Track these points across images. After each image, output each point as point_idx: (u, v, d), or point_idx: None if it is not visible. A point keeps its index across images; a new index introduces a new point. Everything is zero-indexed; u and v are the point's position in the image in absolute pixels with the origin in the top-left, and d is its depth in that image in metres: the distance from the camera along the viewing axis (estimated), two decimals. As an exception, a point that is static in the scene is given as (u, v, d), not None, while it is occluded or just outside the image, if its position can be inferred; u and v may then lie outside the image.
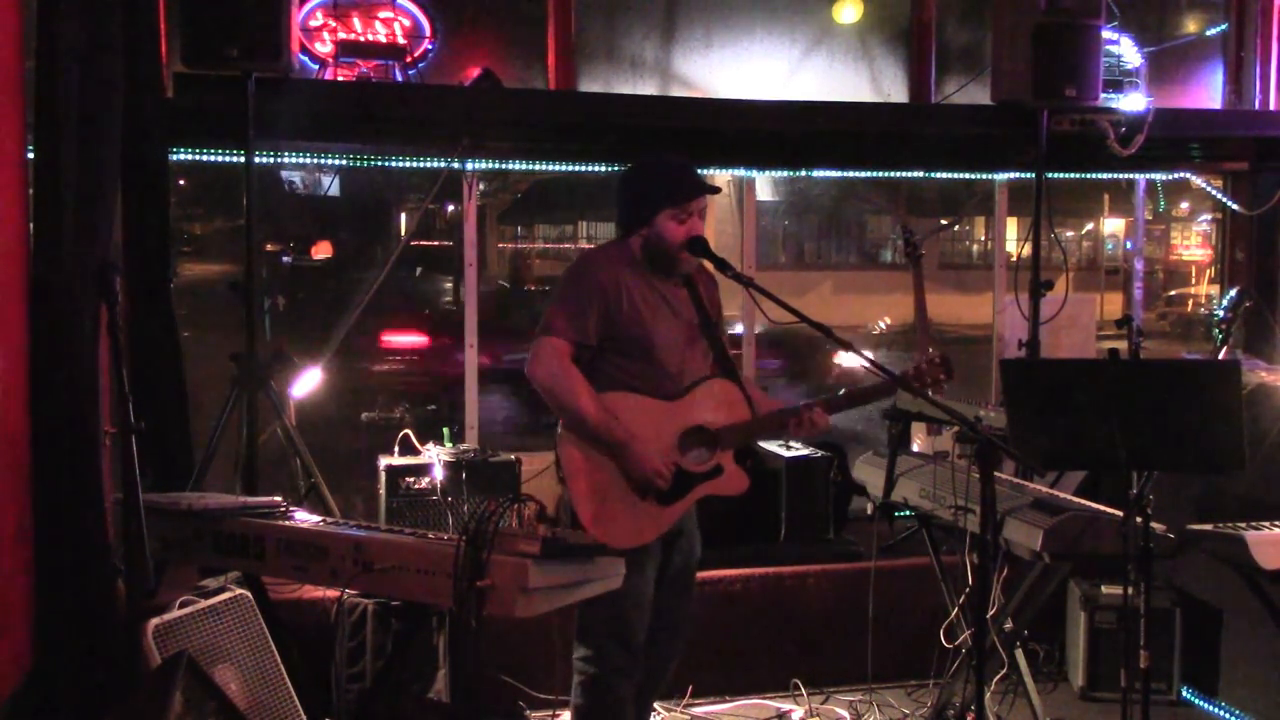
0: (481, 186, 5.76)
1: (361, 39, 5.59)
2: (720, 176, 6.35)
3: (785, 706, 4.78)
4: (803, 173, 6.78)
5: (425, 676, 4.21)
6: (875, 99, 6.54)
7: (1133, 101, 5.92)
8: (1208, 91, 6.91)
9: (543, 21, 6.09)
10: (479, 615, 2.88)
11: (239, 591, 3.82)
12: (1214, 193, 6.96)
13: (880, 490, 4.40)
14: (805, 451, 5.26)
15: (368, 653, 4.17)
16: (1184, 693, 4.84)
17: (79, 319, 3.66)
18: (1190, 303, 22.33)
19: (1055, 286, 5.84)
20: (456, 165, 5.63)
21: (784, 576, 5.00)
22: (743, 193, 6.48)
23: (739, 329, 6.27)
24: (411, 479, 5.01)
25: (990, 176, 6.58)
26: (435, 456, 5.08)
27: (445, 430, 5.37)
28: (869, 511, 5.01)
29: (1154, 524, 3.56)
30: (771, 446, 5.37)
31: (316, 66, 5.57)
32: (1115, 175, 6.91)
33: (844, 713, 4.72)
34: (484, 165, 5.84)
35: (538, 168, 6.41)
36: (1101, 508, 3.81)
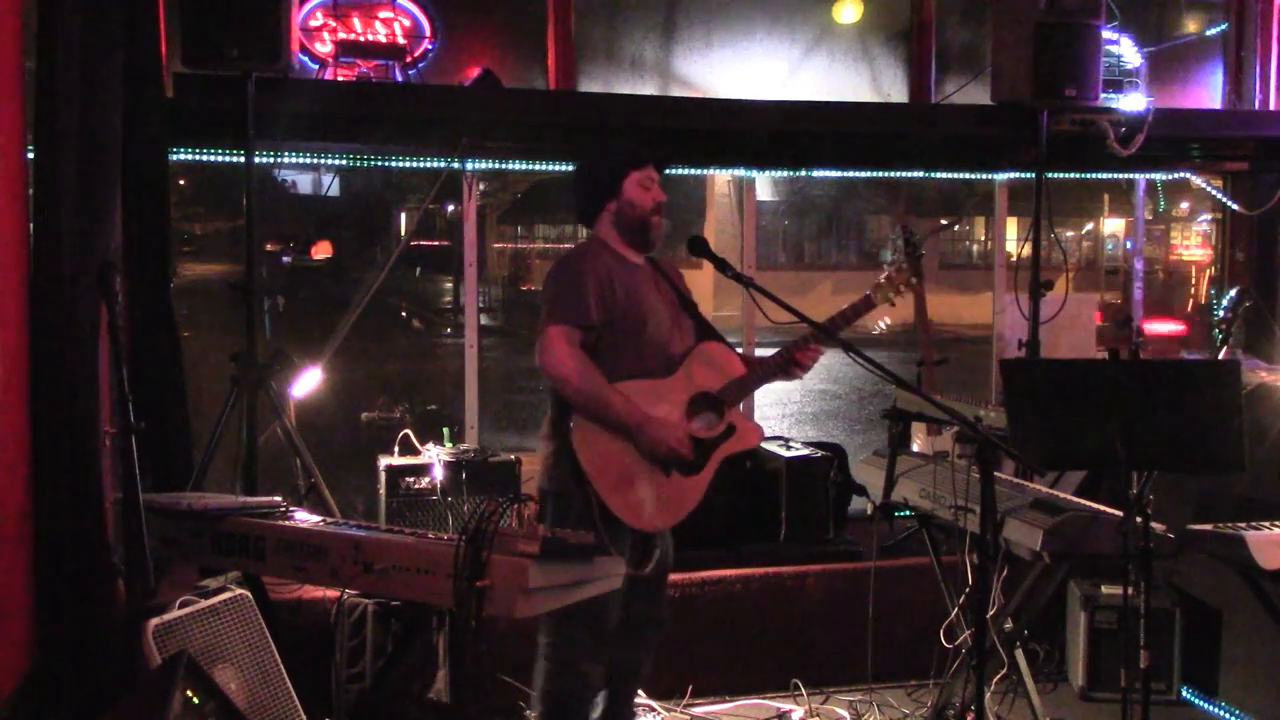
0: (481, 186, 5.76)
1: (361, 39, 5.59)
2: (720, 176, 6.35)
3: (785, 706, 4.78)
4: (803, 173, 6.78)
5: (425, 676, 4.21)
6: (875, 99, 6.54)
7: (1133, 101, 5.93)
8: (1208, 91, 6.91)
9: (543, 21, 6.09)
10: (479, 615, 2.88)
11: (239, 591, 3.82)
12: (1214, 193, 6.96)
13: (880, 490, 4.40)
14: (805, 451, 5.26)
15: (368, 653, 4.17)
16: (1184, 693, 4.84)
17: (79, 319, 3.67)
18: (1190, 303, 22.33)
19: (1055, 286, 5.84)
20: (456, 165, 5.63)
21: (784, 576, 5.00)
22: (743, 193, 6.48)
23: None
24: (411, 479, 5.01)
25: (990, 176, 6.59)
26: (435, 456, 5.08)
27: (445, 430, 5.38)
28: (869, 511, 5.01)
29: (1154, 524, 3.56)
30: (771, 447, 5.36)
31: (316, 66, 5.57)
32: (1115, 175, 6.91)
33: (844, 713, 4.71)
34: (484, 165, 5.84)
35: (538, 168, 6.40)
36: (1101, 508, 3.81)
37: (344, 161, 6.00)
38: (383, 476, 5.03)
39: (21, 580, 3.55)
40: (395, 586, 3.14)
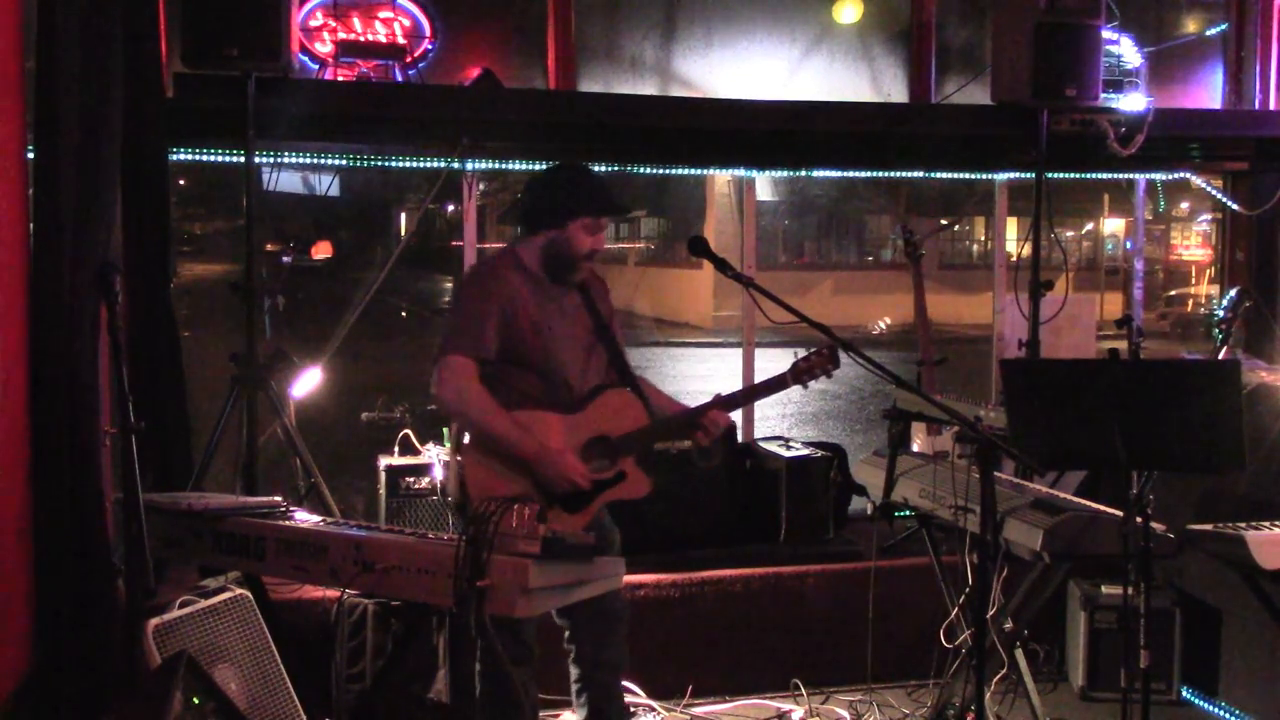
0: (481, 186, 5.75)
1: (361, 39, 5.59)
2: (720, 176, 6.35)
3: (785, 706, 4.78)
4: (803, 173, 6.78)
5: (425, 676, 4.21)
6: (875, 99, 6.54)
7: (1133, 101, 5.92)
8: (1208, 91, 6.91)
9: (543, 21, 6.09)
10: (479, 615, 2.88)
11: (239, 591, 3.82)
12: (1214, 193, 6.96)
13: (880, 490, 4.40)
14: (805, 451, 5.26)
15: (368, 653, 4.17)
16: (1184, 693, 4.84)
17: (79, 319, 3.67)
18: (1190, 303, 22.36)
19: (1055, 286, 5.84)
20: (456, 165, 5.63)
21: (784, 576, 5.00)
22: (743, 193, 6.48)
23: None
24: (411, 479, 5.01)
25: (990, 176, 6.59)
26: (435, 456, 5.08)
27: (445, 430, 5.37)
28: (869, 511, 5.01)
29: (1154, 524, 3.56)
30: (771, 447, 5.37)
31: (316, 66, 5.57)
32: (1115, 175, 6.90)
33: (844, 713, 4.71)
34: (484, 165, 5.84)
35: (538, 168, 6.39)
36: (1101, 508, 3.81)
37: (344, 161, 6.00)
38: (383, 476, 5.03)
39: (21, 580, 3.55)
40: (395, 586, 3.14)
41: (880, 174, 7.01)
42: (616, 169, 6.11)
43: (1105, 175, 6.96)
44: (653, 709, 4.64)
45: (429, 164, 5.87)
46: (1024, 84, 5.50)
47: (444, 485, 3.69)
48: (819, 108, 6.05)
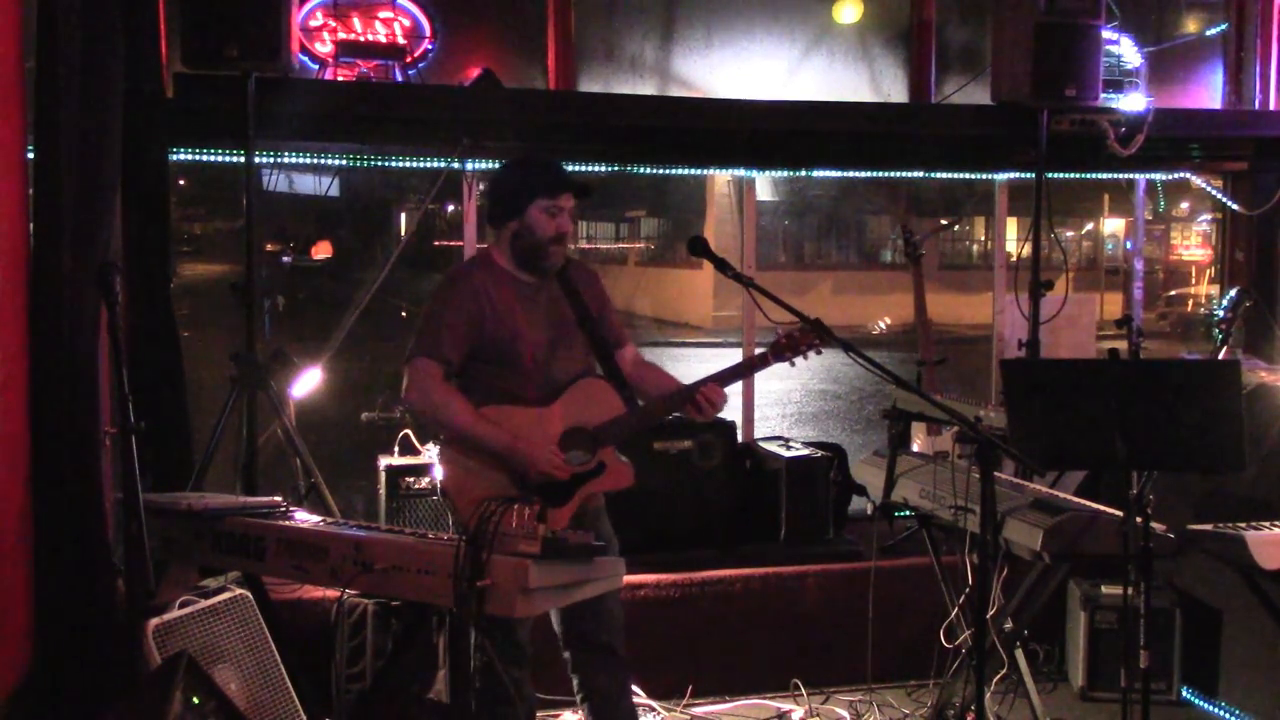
0: (481, 186, 5.75)
1: (361, 39, 5.59)
2: (720, 176, 6.35)
3: (785, 706, 4.78)
4: (803, 173, 6.78)
5: (425, 676, 4.21)
6: (875, 99, 6.54)
7: (1133, 101, 5.92)
8: (1208, 91, 6.91)
9: (543, 21, 6.09)
10: (479, 615, 2.88)
11: (239, 591, 3.82)
12: (1214, 193, 6.96)
13: (880, 490, 4.40)
14: (805, 451, 5.26)
15: (368, 653, 4.17)
16: (1184, 693, 4.84)
17: (79, 319, 3.67)
18: (1190, 303, 22.36)
19: (1055, 286, 5.84)
20: (456, 165, 5.63)
21: (784, 576, 5.00)
22: (743, 193, 6.48)
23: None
24: (411, 479, 5.01)
25: (990, 176, 6.58)
26: (435, 457, 5.07)
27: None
28: (869, 511, 5.01)
29: (1154, 524, 3.56)
30: (771, 447, 5.37)
31: (316, 66, 5.57)
32: (1115, 175, 6.90)
33: (844, 713, 4.72)
34: (484, 165, 5.84)
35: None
36: (1101, 508, 3.81)
37: (344, 161, 5.99)
38: (383, 476, 5.03)
39: (22, 579, 3.55)
40: (395, 586, 3.14)
41: (880, 174, 7.00)
42: (616, 169, 6.11)
43: (1105, 175, 6.95)
44: (653, 709, 4.64)
45: (429, 164, 5.87)
46: (1024, 84, 5.50)
47: (442, 487, 3.68)
48: (819, 108, 6.05)
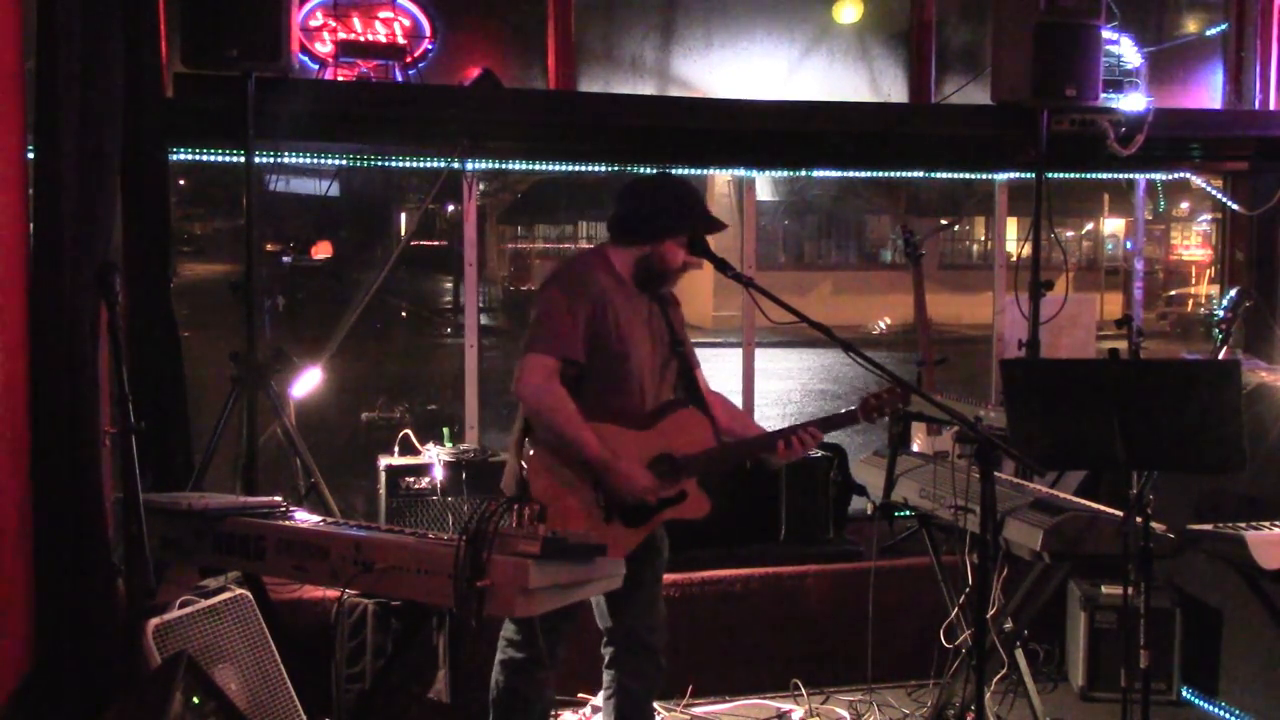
0: (481, 186, 5.76)
1: (361, 39, 5.59)
2: (720, 176, 6.35)
3: (785, 706, 4.78)
4: (803, 173, 6.78)
5: (425, 676, 4.21)
6: (875, 99, 6.54)
7: (1133, 101, 5.92)
8: (1208, 91, 6.91)
9: (543, 21, 6.09)
10: (479, 615, 2.87)
11: (239, 591, 3.82)
12: (1214, 193, 6.96)
13: (880, 490, 4.40)
14: (805, 451, 5.25)
15: (368, 653, 4.16)
16: (1184, 693, 4.84)
17: (79, 319, 3.67)
18: (1190, 303, 22.35)
19: (1055, 286, 5.84)
20: (456, 165, 5.63)
21: (784, 576, 5.00)
22: (743, 193, 6.48)
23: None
24: (411, 479, 5.01)
25: (990, 176, 6.58)
26: (435, 456, 5.08)
27: (445, 430, 5.38)
28: (869, 511, 5.01)
29: (1154, 524, 3.56)
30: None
31: (316, 66, 5.57)
32: (1115, 175, 6.90)
33: (844, 713, 4.72)
34: (484, 165, 5.84)
35: (538, 168, 6.40)
36: (1101, 508, 3.81)
37: (344, 161, 5.99)
38: (383, 476, 5.02)
39: (21, 580, 3.55)
40: (395, 586, 3.14)
41: (880, 174, 7.01)
42: (616, 169, 6.11)
43: (1105, 175, 6.96)
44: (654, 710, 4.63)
45: (429, 164, 5.86)
46: (1024, 84, 5.50)
47: (502, 488, 3.61)
48: (819, 108, 6.05)
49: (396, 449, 5.18)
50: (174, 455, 4.79)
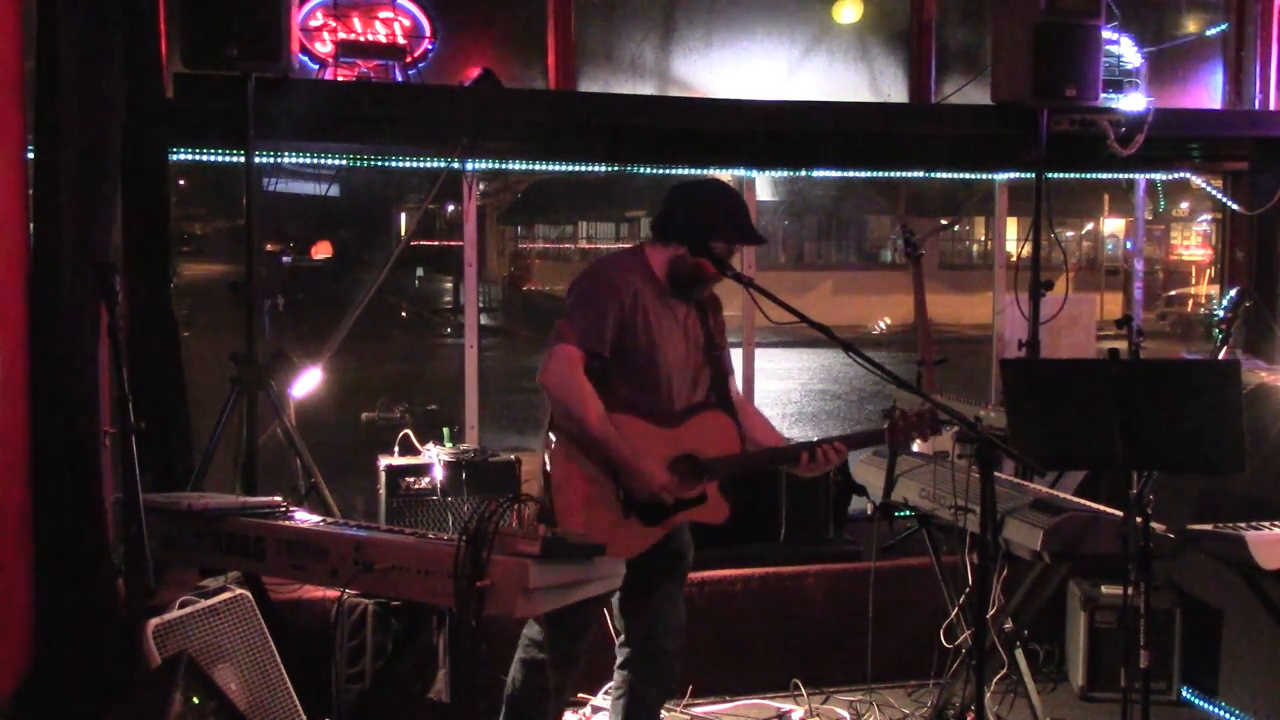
0: (481, 186, 5.75)
1: (361, 39, 5.59)
2: (720, 176, 6.35)
3: (785, 706, 4.78)
4: (803, 173, 6.78)
5: (425, 676, 4.21)
6: (875, 99, 6.54)
7: (1133, 101, 5.92)
8: (1208, 91, 6.91)
9: (543, 22, 6.09)
10: (479, 615, 2.88)
11: (239, 591, 3.82)
12: (1214, 193, 6.96)
13: (880, 490, 4.40)
14: (805, 451, 5.25)
15: (368, 653, 4.16)
16: (1184, 693, 4.84)
17: (79, 319, 3.67)
18: (1190, 303, 22.36)
19: (1055, 286, 5.84)
20: (456, 165, 5.63)
21: (784, 576, 5.00)
22: (742, 193, 6.47)
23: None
24: (411, 479, 5.01)
25: (990, 176, 6.58)
26: (435, 456, 5.07)
27: (445, 430, 5.38)
28: (869, 511, 5.01)
29: (1154, 524, 3.56)
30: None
31: (316, 66, 5.56)
32: (1115, 175, 6.90)
33: (844, 713, 4.72)
34: (484, 165, 5.84)
35: (538, 168, 6.40)
36: (1101, 508, 3.81)
37: (344, 161, 5.99)
38: (383, 476, 5.02)
39: (22, 580, 3.55)
40: (395, 586, 3.14)
41: (880, 174, 7.00)
42: (616, 169, 6.11)
43: (1105, 175, 6.95)
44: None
45: (429, 164, 5.86)
46: (1024, 84, 5.50)
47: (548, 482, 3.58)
48: (819, 108, 6.05)
49: (396, 449, 5.17)
50: (174, 455, 4.79)
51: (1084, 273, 24.08)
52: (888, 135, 5.99)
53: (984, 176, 6.68)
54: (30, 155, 3.66)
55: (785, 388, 13.80)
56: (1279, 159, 6.44)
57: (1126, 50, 6.14)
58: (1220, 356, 5.28)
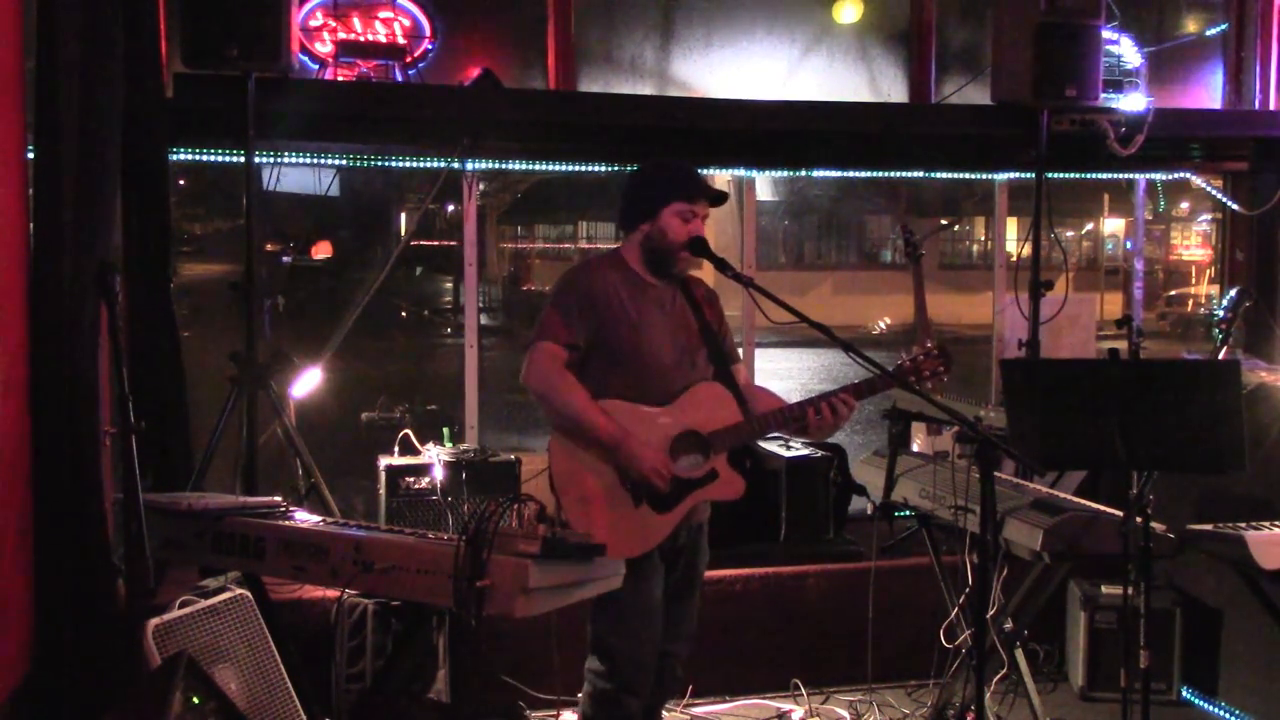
0: (481, 186, 5.75)
1: (361, 39, 5.59)
2: (720, 176, 6.35)
3: (785, 706, 4.79)
4: (803, 173, 6.78)
5: (425, 676, 4.21)
6: (875, 99, 6.54)
7: (1133, 101, 5.92)
8: (1208, 91, 6.91)
9: (542, 22, 6.09)
10: (479, 615, 2.88)
11: (239, 591, 3.82)
12: (1214, 193, 6.96)
13: (880, 490, 4.40)
14: (805, 451, 5.26)
15: (368, 653, 4.17)
16: (1184, 693, 4.84)
17: (79, 319, 3.67)
18: (1190, 303, 22.37)
19: (1055, 286, 5.84)
20: (456, 165, 5.63)
21: (784, 576, 5.00)
22: (743, 193, 6.47)
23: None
24: (411, 479, 5.01)
25: (990, 176, 6.58)
26: (435, 456, 5.07)
27: (445, 430, 5.38)
28: (869, 511, 5.01)
29: (1154, 524, 3.57)
30: (771, 446, 5.36)
31: (316, 66, 5.57)
32: (1115, 175, 6.90)
33: (844, 713, 4.72)
34: (484, 165, 5.84)
35: (538, 168, 6.40)
36: (1101, 508, 3.82)
37: (344, 161, 6.00)
38: (383, 476, 5.02)
39: (21, 580, 3.55)
40: (395, 586, 3.14)
41: (880, 174, 7.00)
42: (616, 169, 6.11)
43: (1105, 175, 6.95)
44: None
45: (429, 164, 5.87)
46: (1024, 84, 5.50)
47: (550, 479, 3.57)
48: (818, 108, 6.05)
49: (396, 449, 5.18)
50: (174, 455, 4.79)
51: (1084, 273, 24.07)
52: (888, 135, 5.99)
53: (984, 176, 6.68)
54: (30, 155, 3.66)
55: (785, 388, 13.74)
56: (1279, 159, 6.44)
57: (1126, 50, 6.14)
58: (1220, 356, 5.28)
